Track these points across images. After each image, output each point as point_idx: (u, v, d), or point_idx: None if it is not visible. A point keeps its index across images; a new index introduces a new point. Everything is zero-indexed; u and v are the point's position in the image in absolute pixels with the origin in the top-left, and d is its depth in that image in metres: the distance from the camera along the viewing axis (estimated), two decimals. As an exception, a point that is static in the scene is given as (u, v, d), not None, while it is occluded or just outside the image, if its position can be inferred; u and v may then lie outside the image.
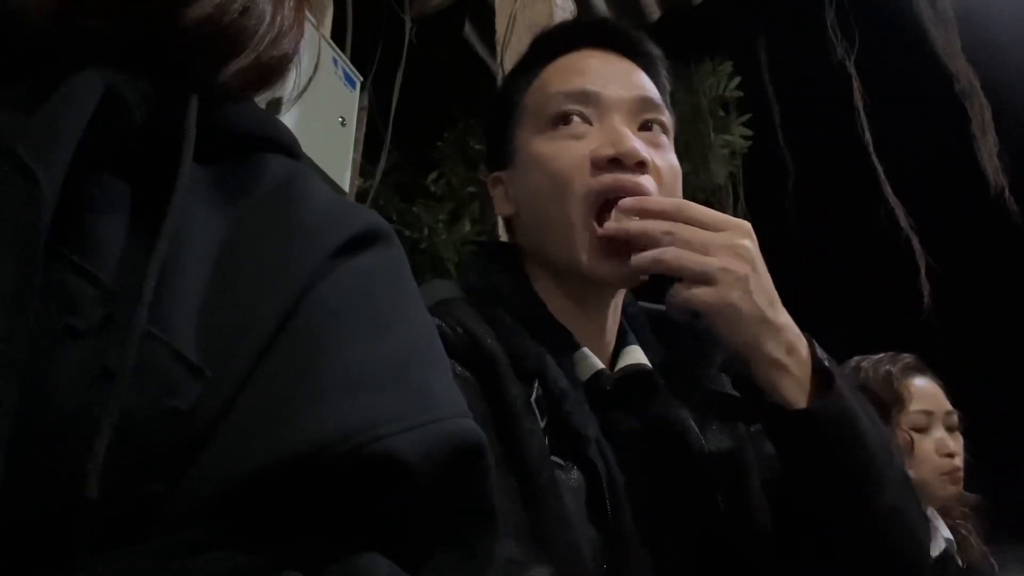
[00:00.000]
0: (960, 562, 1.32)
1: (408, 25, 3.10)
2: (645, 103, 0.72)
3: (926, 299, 4.26)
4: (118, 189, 0.32)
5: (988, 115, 4.13)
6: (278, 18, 0.39)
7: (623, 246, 0.67)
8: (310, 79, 0.44)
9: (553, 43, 0.77)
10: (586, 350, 0.73)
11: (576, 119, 0.70)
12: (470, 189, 3.85)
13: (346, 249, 0.35)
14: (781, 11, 4.42)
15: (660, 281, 0.77)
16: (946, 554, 1.29)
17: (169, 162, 0.32)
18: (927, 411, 1.40)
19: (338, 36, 2.57)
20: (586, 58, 0.74)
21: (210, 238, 0.33)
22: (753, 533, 0.71)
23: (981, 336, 4.94)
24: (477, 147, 3.95)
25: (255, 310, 0.32)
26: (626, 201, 0.66)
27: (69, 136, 0.28)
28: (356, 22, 2.76)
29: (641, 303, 0.85)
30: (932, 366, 1.52)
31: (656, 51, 0.77)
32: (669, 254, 0.63)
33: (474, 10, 3.07)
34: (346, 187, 2.11)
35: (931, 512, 1.29)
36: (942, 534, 1.30)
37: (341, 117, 2.11)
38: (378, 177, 3.15)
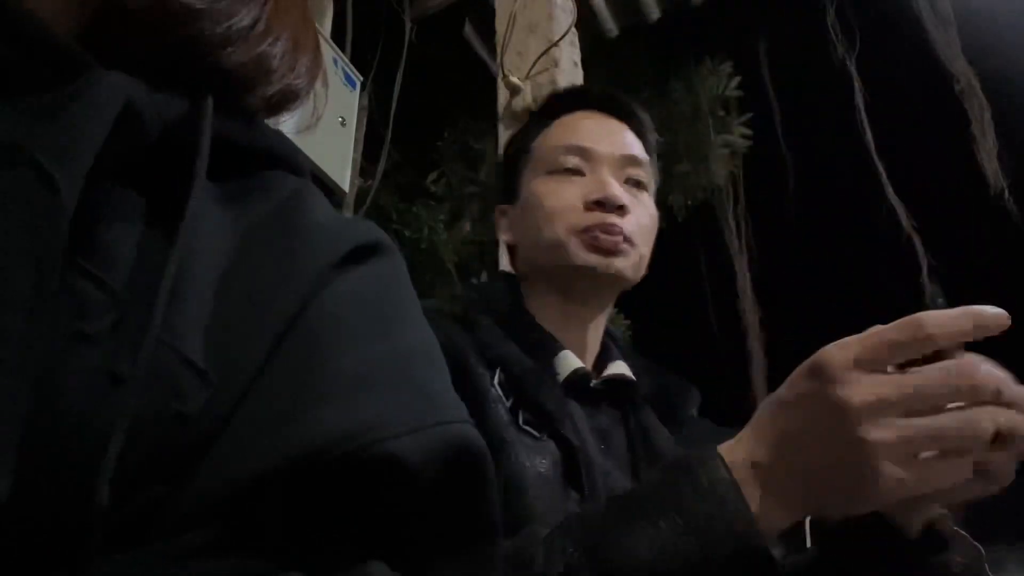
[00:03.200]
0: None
1: (408, 25, 3.10)
2: (631, 160, 0.87)
3: (927, 299, 4.27)
4: (131, 199, 0.33)
5: (988, 115, 4.13)
6: (300, 60, 0.41)
7: (606, 248, 0.81)
8: (323, 109, 0.45)
9: (562, 102, 0.93)
10: (568, 352, 0.82)
11: (572, 168, 0.85)
12: (470, 189, 3.85)
13: (348, 260, 0.36)
14: (781, 11, 4.42)
15: (646, 283, 0.89)
16: None
17: (182, 175, 0.33)
18: None
19: (338, 36, 2.58)
20: (587, 118, 0.89)
21: (218, 249, 0.33)
22: None
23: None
24: (477, 147, 3.95)
25: (260, 317, 0.32)
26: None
27: (88, 147, 0.29)
28: (356, 22, 2.77)
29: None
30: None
31: (644, 116, 0.92)
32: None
33: (474, 10, 3.07)
34: (346, 187, 2.11)
35: None
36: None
37: (341, 117, 2.11)
38: (378, 177, 3.16)
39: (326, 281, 0.34)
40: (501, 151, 1.99)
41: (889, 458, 0.43)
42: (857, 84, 4.39)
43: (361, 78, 2.29)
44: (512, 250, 0.93)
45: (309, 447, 0.29)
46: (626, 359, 0.89)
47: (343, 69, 2.19)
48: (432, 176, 3.99)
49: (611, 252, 0.81)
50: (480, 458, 0.34)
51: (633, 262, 0.84)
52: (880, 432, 0.43)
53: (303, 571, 0.29)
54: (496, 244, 1.93)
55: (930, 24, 4.14)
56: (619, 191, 0.82)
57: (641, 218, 0.85)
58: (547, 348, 0.82)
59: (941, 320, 0.45)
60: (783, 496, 0.48)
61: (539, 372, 0.77)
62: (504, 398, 0.74)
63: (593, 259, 0.81)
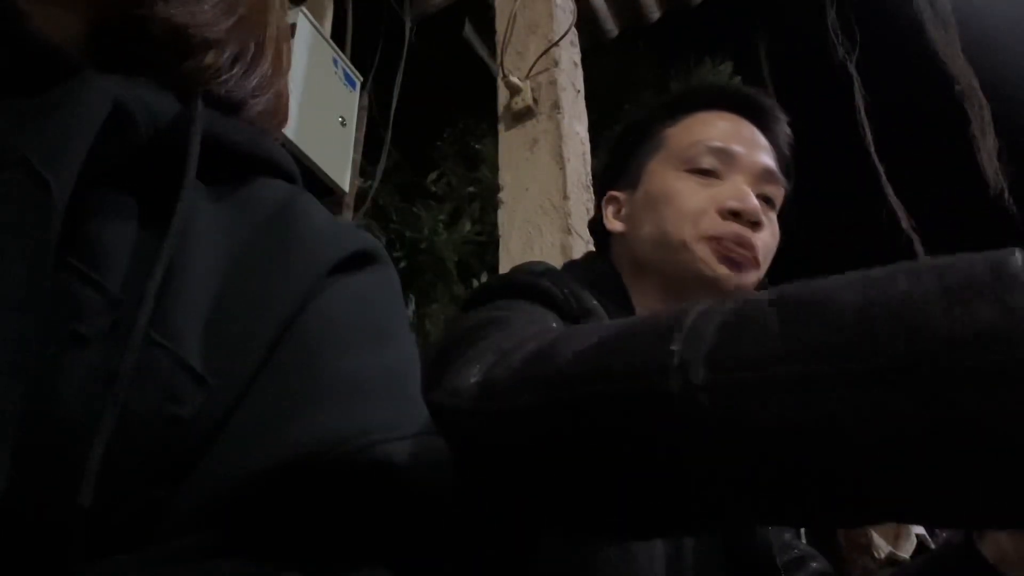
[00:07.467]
0: None
1: (408, 25, 3.10)
2: (769, 175, 0.83)
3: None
4: (124, 201, 0.33)
5: (988, 116, 4.14)
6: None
7: (739, 262, 0.78)
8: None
9: (704, 95, 0.88)
10: None
11: (708, 169, 0.81)
12: (470, 189, 3.85)
13: (344, 266, 0.36)
14: (781, 11, 4.42)
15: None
16: (922, 548, 1.29)
17: (174, 176, 0.33)
18: None
19: (338, 36, 2.58)
20: (733, 120, 0.84)
21: (215, 252, 0.33)
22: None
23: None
24: (477, 147, 3.95)
25: (257, 321, 0.32)
26: None
27: (79, 147, 0.29)
28: (356, 22, 2.77)
29: None
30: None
31: (786, 129, 0.88)
32: None
33: (474, 10, 3.07)
34: (346, 187, 2.11)
35: None
36: (914, 530, 1.30)
37: (341, 117, 2.11)
38: (378, 177, 3.16)
39: (321, 286, 0.34)
40: (500, 150, 1.99)
41: None
42: (857, 84, 4.39)
43: (361, 78, 2.29)
44: (613, 238, 0.88)
45: (303, 449, 0.29)
46: None
47: (343, 69, 2.19)
48: (432, 176, 3.99)
49: (743, 266, 0.78)
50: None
51: (754, 282, 0.80)
52: None
53: (300, 574, 0.29)
54: (496, 244, 1.92)
55: (930, 24, 4.15)
56: (758, 205, 0.79)
57: (768, 239, 0.82)
58: None
59: None
60: None
61: None
62: None
63: (723, 271, 0.77)
